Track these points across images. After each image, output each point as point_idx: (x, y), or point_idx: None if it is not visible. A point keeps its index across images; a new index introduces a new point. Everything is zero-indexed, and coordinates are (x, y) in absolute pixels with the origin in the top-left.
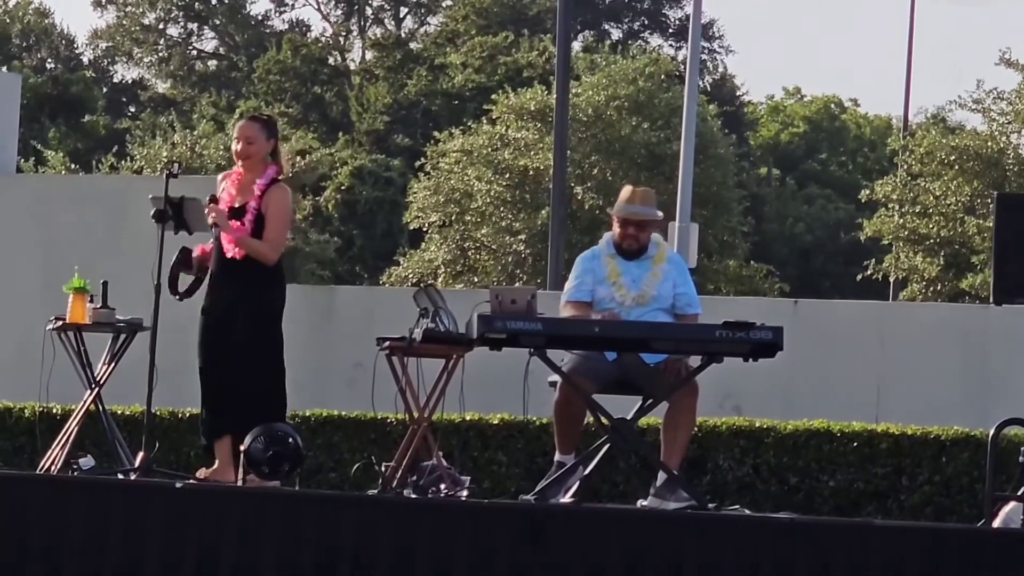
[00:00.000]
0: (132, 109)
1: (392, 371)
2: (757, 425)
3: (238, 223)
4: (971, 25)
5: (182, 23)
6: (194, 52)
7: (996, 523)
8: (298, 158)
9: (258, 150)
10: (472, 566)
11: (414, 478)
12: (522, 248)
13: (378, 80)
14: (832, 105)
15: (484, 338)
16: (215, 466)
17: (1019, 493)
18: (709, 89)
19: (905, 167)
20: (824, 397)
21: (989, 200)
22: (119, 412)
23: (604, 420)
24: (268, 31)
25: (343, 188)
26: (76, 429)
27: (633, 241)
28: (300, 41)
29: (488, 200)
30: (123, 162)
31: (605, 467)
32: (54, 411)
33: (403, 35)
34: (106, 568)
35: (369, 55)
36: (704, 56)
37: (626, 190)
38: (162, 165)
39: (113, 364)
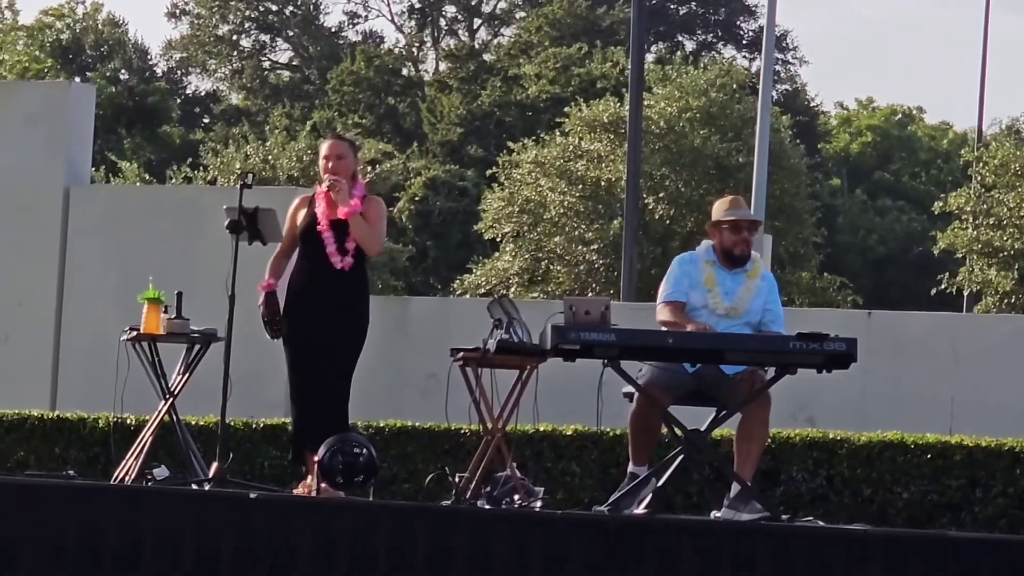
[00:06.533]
0: (206, 120)
1: (466, 382)
2: (831, 437)
3: (328, 238)
4: None
5: (255, 35)
6: (267, 64)
7: None
8: (368, 168)
9: (347, 166)
10: None
11: (488, 489)
12: (595, 258)
13: (452, 91)
14: (899, 115)
15: (558, 349)
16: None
17: None
18: (782, 100)
19: (979, 179)
20: (898, 409)
21: None
22: (193, 422)
23: (678, 431)
24: (342, 42)
25: (417, 199)
26: (150, 439)
27: (745, 246)
28: (374, 52)
29: (561, 211)
30: (196, 172)
31: (679, 478)
32: (128, 422)
33: (477, 46)
34: None
35: (443, 66)
36: (777, 67)
37: (724, 200)
38: (235, 176)
39: (187, 374)
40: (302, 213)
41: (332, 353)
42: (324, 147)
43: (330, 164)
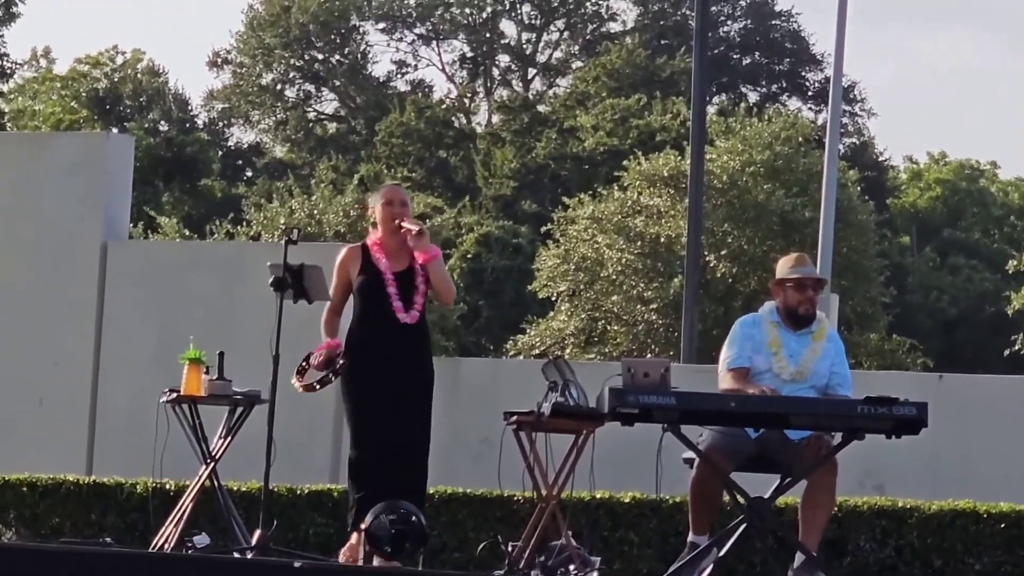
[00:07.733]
0: (248, 174)
1: (520, 446)
2: (900, 505)
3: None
4: None
5: (300, 84)
6: (312, 114)
7: None
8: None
9: (410, 214)
10: None
11: (542, 558)
12: (654, 318)
13: (505, 144)
14: (969, 169)
15: (615, 412)
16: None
17: None
18: (849, 153)
19: None
20: (970, 475)
21: None
22: (235, 488)
23: (740, 499)
24: (390, 92)
25: (469, 256)
26: (191, 506)
27: (810, 306)
28: (424, 103)
29: (619, 268)
30: (239, 227)
31: (741, 548)
32: (168, 487)
33: (531, 97)
34: None
35: (496, 118)
36: (844, 119)
37: (788, 258)
38: (280, 231)
39: (229, 438)
40: (355, 266)
41: (409, 413)
42: (385, 192)
43: (396, 209)
